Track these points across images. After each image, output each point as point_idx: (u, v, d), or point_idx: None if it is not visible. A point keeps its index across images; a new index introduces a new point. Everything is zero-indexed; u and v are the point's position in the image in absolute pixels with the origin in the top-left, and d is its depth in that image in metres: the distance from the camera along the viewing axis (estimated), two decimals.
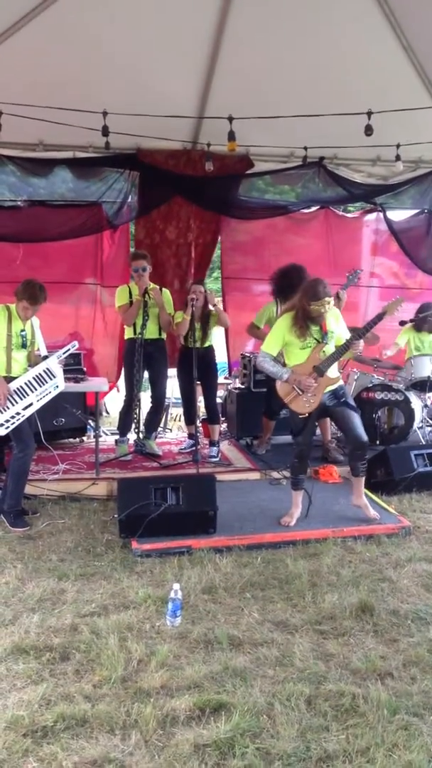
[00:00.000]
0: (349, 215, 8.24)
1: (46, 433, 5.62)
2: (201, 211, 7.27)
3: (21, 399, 4.76)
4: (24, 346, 4.91)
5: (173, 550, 4.32)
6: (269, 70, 5.86)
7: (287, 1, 5.16)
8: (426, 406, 6.76)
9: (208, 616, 3.53)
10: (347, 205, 8.07)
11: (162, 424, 7.52)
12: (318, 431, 5.71)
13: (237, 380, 7.28)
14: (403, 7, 5.34)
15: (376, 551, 4.40)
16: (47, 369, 4.91)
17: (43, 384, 4.87)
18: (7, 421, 4.71)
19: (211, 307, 6.26)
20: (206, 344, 6.29)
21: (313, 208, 7.78)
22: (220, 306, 7.00)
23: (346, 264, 7.36)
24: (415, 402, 6.49)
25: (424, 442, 6.33)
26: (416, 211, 7.92)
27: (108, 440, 6.92)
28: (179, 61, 5.81)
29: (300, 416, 4.71)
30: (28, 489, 5.19)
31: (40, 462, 5.91)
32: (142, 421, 6.40)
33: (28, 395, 4.79)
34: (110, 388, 7.21)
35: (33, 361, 5.00)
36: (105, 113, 5.51)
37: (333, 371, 4.67)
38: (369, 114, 5.57)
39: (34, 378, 4.85)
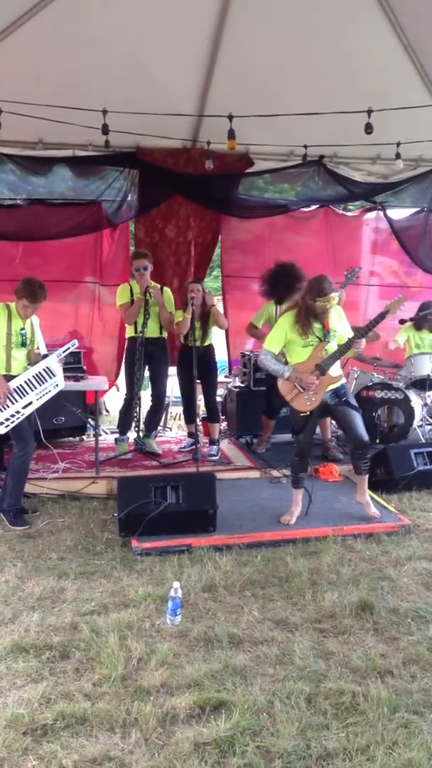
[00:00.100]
0: (349, 214, 8.25)
1: (45, 432, 5.62)
2: (201, 209, 7.27)
3: (21, 397, 4.76)
4: (24, 344, 4.91)
5: (173, 549, 4.32)
6: (269, 68, 5.85)
7: None
8: (426, 404, 6.76)
9: (208, 615, 3.53)
10: (347, 203, 8.06)
11: (162, 423, 7.52)
12: (318, 430, 5.71)
13: (237, 379, 7.28)
14: (403, 5, 5.34)
15: (376, 550, 4.40)
16: (47, 368, 4.91)
17: (43, 383, 4.87)
18: (7, 419, 4.71)
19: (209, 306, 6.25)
20: (206, 343, 6.29)
21: (313, 207, 7.77)
22: (219, 306, 6.99)
23: (345, 262, 7.33)
24: (415, 400, 6.49)
25: (423, 441, 6.33)
26: (416, 209, 7.91)
27: (108, 439, 6.92)
28: (179, 59, 5.81)
29: (301, 414, 4.71)
30: (28, 488, 5.18)
31: (39, 461, 5.91)
32: (142, 420, 6.40)
33: (27, 394, 4.79)
34: (109, 387, 7.20)
35: (33, 359, 5.00)
36: (105, 111, 5.50)
37: (335, 370, 4.67)
38: (369, 112, 5.56)
39: (33, 377, 4.85)
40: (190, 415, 6.61)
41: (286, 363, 4.73)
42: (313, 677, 2.95)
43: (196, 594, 3.74)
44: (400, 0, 5.28)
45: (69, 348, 5.11)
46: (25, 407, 4.77)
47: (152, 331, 6.21)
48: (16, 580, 3.90)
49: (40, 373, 4.88)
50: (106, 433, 7.25)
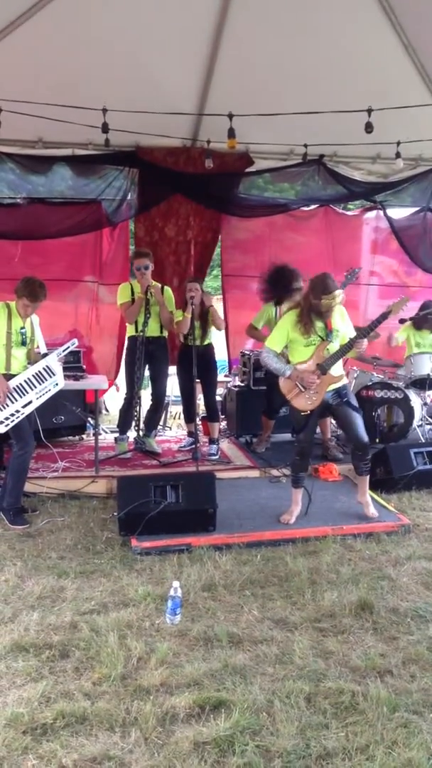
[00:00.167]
0: (349, 213, 8.25)
1: (45, 431, 5.62)
2: (201, 209, 7.27)
3: (20, 397, 4.76)
4: (24, 343, 4.90)
5: (173, 548, 4.32)
6: (269, 67, 5.85)
7: None
8: (425, 404, 6.76)
9: (207, 614, 3.53)
10: (347, 203, 8.06)
11: (161, 422, 7.52)
12: (318, 429, 5.71)
13: (237, 378, 7.27)
14: (403, 4, 5.33)
15: (375, 549, 4.40)
16: (47, 367, 4.91)
17: (43, 382, 4.87)
18: (7, 418, 4.71)
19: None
20: (206, 342, 6.29)
21: (313, 206, 7.77)
22: (219, 305, 6.99)
23: (345, 262, 7.33)
24: (415, 400, 6.49)
25: (423, 440, 6.33)
26: (416, 209, 7.91)
27: (107, 438, 6.92)
28: (179, 58, 5.81)
29: (302, 414, 4.71)
30: (28, 487, 5.18)
31: (39, 460, 5.91)
32: (142, 419, 6.40)
33: (27, 393, 4.79)
34: (109, 386, 7.20)
35: (32, 358, 5.00)
36: (105, 110, 5.50)
37: (336, 369, 4.67)
38: (369, 111, 5.56)
39: (33, 376, 4.85)
40: (189, 415, 6.61)
41: (288, 362, 4.73)
42: (312, 677, 2.95)
43: (196, 593, 3.74)
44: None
45: (69, 347, 5.11)
46: (24, 406, 4.77)
47: (153, 330, 6.22)
48: (15, 579, 3.90)
49: (39, 372, 4.88)
50: (106, 432, 7.25)
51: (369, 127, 5.59)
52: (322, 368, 4.59)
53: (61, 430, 6.72)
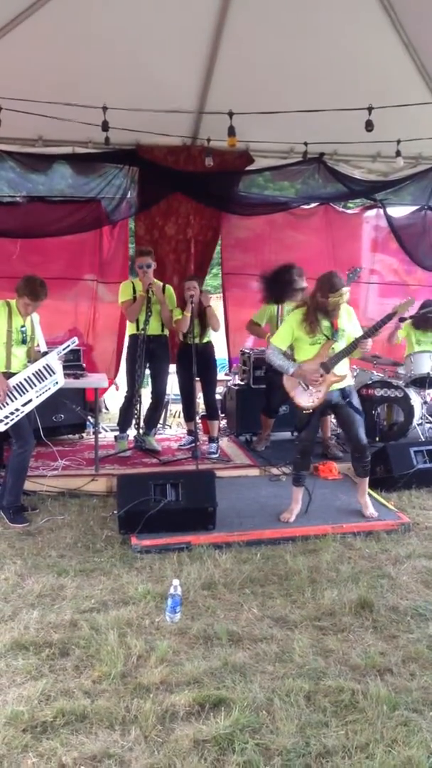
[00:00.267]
0: (349, 211, 8.24)
1: (45, 429, 5.62)
2: (201, 207, 7.26)
3: (20, 395, 4.76)
4: (24, 342, 4.90)
5: (173, 546, 4.32)
6: (270, 66, 5.84)
7: None
8: (425, 402, 6.76)
9: (207, 612, 3.53)
10: (347, 201, 8.06)
11: (161, 421, 7.52)
12: None
13: (237, 377, 7.27)
14: (403, 2, 5.32)
15: (375, 547, 4.40)
16: (47, 365, 4.91)
17: (43, 380, 4.87)
18: (7, 417, 4.71)
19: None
20: (205, 340, 6.29)
21: (313, 205, 7.77)
22: (219, 304, 6.98)
23: (346, 260, 7.35)
24: (415, 399, 6.49)
25: (423, 439, 6.34)
26: (416, 207, 7.90)
27: (107, 436, 6.92)
28: (179, 56, 5.80)
29: (304, 412, 4.72)
30: (28, 485, 5.18)
31: (39, 458, 5.91)
32: (142, 418, 6.40)
33: (27, 391, 4.79)
34: (109, 385, 7.20)
35: (33, 357, 4.99)
36: (105, 108, 5.49)
37: (340, 369, 4.66)
38: (369, 110, 5.56)
39: (33, 374, 4.85)
40: (189, 413, 6.61)
41: (293, 360, 4.74)
42: (312, 675, 2.96)
43: (196, 591, 3.74)
44: None
45: (69, 345, 5.11)
46: (24, 405, 4.77)
47: (154, 328, 6.22)
48: (15, 577, 3.90)
49: (40, 370, 4.88)
50: (106, 431, 7.24)
51: (369, 126, 5.59)
52: (326, 367, 4.59)
53: (61, 428, 6.72)
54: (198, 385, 6.38)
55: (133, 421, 6.38)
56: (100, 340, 7.40)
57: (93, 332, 7.38)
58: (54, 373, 4.93)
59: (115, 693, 2.82)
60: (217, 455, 6.33)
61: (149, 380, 6.76)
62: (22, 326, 4.89)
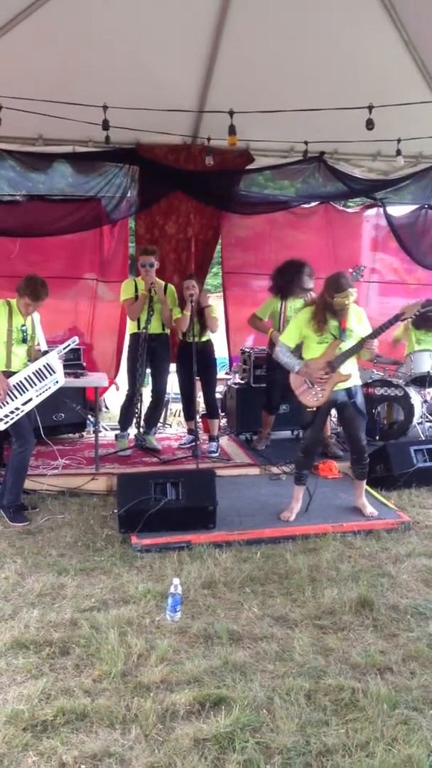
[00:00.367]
0: (349, 210, 8.24)
1: (45, 429, 5.61)
2: (202, 206, 7.25)
3: (20, 394, 4.76)
4: (24, 341, 4.90)
5: (173, 545, 4.32)
6: (270, 64, 5.83)
7: None
8: (425, 401, 6.76)
9: (207, 611, 3.53)
10: (347, 200, 8.05)
11: (161, 420, 7.52)
12: None
13: (237, 375, 7.27)
14: (404, 1, 5.31)
15: (375, 546, 4.40)
16: (47, 364, 4.91)
17: (43, 379, 4.87)
18: (7, 416, 4.71)
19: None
20: (204, 338, 6.28)
21: (314, 204, 7.76)
22: (219, 303, 6.97)
23: (346, 259, 7.35)
24: (415, 397, 6.49)
25: (423, 438, 6.34)
26: (416, 206, 7.89)
27: (108, 435, 6.92)
28: (180, 54, 5.79)
29: (308, 410, 4.73)
30: (28, 484, 5.19)
31: (39, 457, 5.91)
32: (143, 416, 6.40)
33: (27, 390, 4.79)
34: (109, 385, 7.20)
35: (33, 356, 4.99)
36: (105, 107, 5.48)
37: (346, 368, 4.67)
38: (370, 108, 5.55)
39: (33, 373, 4.85)
40: (189, 412, 6.61)
41: (301, 358, 4.75)
42: (312, 674, 2.96)
43: (196, 590, 3.75)
44: None
45: (69, 345, 5.12)
46: (24, 404, 4.77)
47: (155, 327, 6.21)
48: (16, 576, 3.90)
49: (40, 369, 4.88)
50: (106, 430, 7.24)
51: (370, 124, 5.59)
52: (332, 366, 4.61)
53: (61, 427, 6.71)
54: (198, 384, 6.38)
55: (134, 420, 6.38)
56: (100, 339, 7.39)
57: (93, 331, 7.37)
58: (54, 372, 4.93)
59: (116, 692, 2.82)
60: (217, 454, 6.33)
61: (150, 379, 6.76)
62: (23, 325, 4.89)
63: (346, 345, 4.62)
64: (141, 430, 6.39)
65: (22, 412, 4.76)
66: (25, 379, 4.80)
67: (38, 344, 5.09)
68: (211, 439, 6.49)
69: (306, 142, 6.84)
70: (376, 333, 4.65)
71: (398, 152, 6.60)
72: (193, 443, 6.19)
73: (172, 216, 7.22)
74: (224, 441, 6.79)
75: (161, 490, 4.54)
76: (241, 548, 4.35)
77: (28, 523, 4.80)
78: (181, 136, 6.85)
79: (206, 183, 7.04)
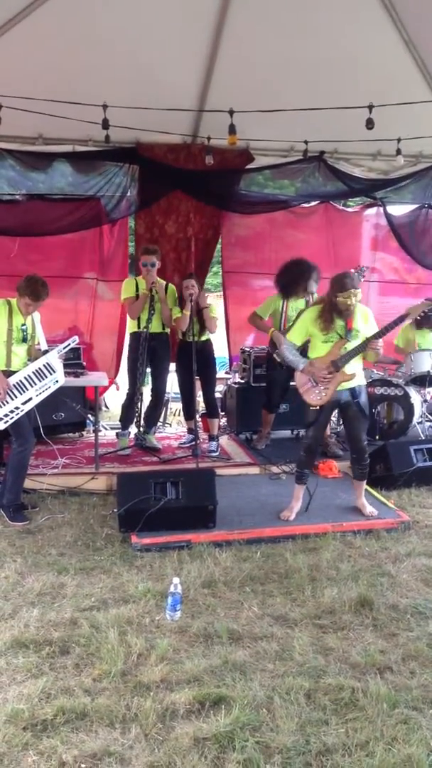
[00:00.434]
0: (349, 210, 8.24)
1: (45, 428, 5.61)
2: (202, 205, 7.24)
3: (20, 393, 4.76)
4: (24, 340, 4.90)
5: (173, 545, 4.32)
6: (270, 64, 5.83)
7: None
8: (425, 401, 6.76)
9: (207, 611, 3.54)
10: (347, 199, 8.05)
11: (161, 419, 7.52)
12: None
13: (237, 375, 7.27)
14: (404, 0, 5.31)
15: (375, 546, 4.40)
16: (47, 364, 4.91)
17: (43, 379, 4.87)
18: (6, 415, 4.71)
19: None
20: (204, 338, 6.29)
21: (314, 203, 7.76)
22: (218, 303, 6.97)
23: (346, 258, 7.35)
24: (415, 397, 6.50)
25: (423, 437, 6.34)
26: (416, 205, 7.89)
27: (107, 435, 6.92)
28: (180, 54, 5.78)
29: (311, 408, 4.74)
30: (28, 483, 5.19)
31: (39, 456, 5.91)
32: (143, 416, 6.40)
33: (27, 390, 4.79)
34: (109, 384, 7.20)
35: (33, 355, 4.99)
36: (105, 106, 5.48)
37: (350, 368, 4.67)
38: (370, 108, 5.55)
39: (33, 372, 4.85)
40: (189, 411, 6.61)
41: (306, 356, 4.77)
42: (312, 673, 2.96)
43: (196, 590, 3.75)
44: None
45: (70, 344, 5.12)
46: (24, 403, 4.77)
47: (156, 326, 6.22)
48: (15, 575, 3.91)
49: (40, 369, 4.88)
50: (106, 429, 7.24)
51: (370, 124, 5.59)
52: (336, 365, 4.62)
53: (61, 426, 6.72)
54: (198, 384, 6.38)
55: (134, 419, 6.38)
56: (100, 338, 7.39)
57: (93, 331, 7.37)
58: (54, 371, 4.93)
59: (116, 691, 2.82)
60: (217, 453, 6.33)
61: (149, 378, 6.76)
62: (23, 325, 4.89)
63: (352, 345, 4.63)
64: (141, 429, 6.39)
65: (22, 411, 4.76)
66: (25, 378, 4.80)
67: (38, 343, 5.09)
68: (211, 438, 6.49)
69: (306, 142, 6.84)
70: (381, 333, 4.66)
71: (398, 152, 6.60)
72: (193, 442, 6.19)
73: (172, 215, 7.21)
74: (224, 440, 6.79)
75: (161, 489, 4.54)
76: (241, 547, 4.35)
77: (28, 522, 4.80)
78: (181, 135, 6.85)
79: (206, 182, 7.03)
